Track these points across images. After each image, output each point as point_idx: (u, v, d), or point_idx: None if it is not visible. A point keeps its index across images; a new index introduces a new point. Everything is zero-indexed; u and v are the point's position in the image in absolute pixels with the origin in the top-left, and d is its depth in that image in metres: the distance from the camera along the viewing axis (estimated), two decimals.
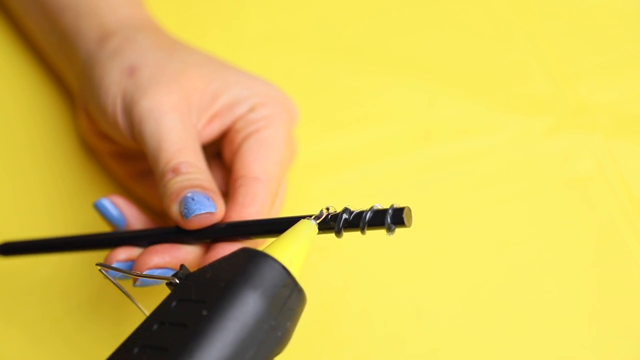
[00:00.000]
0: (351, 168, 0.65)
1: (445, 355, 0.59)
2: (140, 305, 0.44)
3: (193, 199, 0.49)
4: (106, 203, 0.54)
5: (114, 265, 0.50)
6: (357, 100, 0.68)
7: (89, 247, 0.54)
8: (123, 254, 0.51)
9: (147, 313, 0.41)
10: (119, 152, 0.61)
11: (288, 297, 0.41)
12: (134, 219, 0.54)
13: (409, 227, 0.44)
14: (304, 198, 0.64)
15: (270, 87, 0.57)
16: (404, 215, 0.43)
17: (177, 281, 0.42)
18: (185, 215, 0.49)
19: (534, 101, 0.68)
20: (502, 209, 0.64)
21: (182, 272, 0.42)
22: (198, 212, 0.49)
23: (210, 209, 0.49)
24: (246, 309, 0.39)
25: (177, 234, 0.51)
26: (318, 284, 0.61)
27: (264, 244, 0.53)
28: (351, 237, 0.61)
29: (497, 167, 0.65)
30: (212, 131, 0.56)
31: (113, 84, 0.55)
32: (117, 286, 0.44)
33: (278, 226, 0.47)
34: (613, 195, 0.63)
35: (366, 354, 0.59)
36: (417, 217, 0.63)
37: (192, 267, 0.50)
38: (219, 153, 0.58)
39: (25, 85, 0.68)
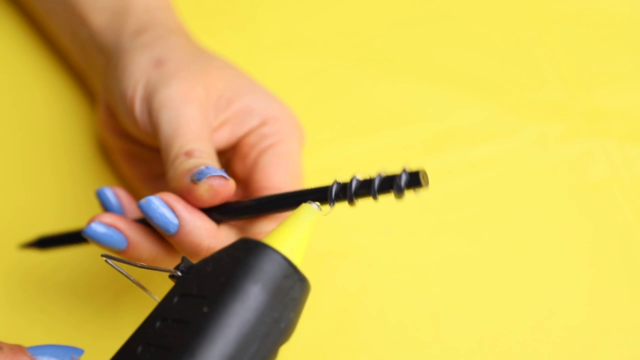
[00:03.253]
0: (367, 174, 0.65)
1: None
2: (149, 292, 0.44)
3: (208, 168, 0.48)
4: (108, 192, 0.54)
5: (100, 231, 0.50)
6: (371, 106, 0.68)
7: None
8: (108, 218, 0.50)
9: (158, 299, 0.41)
10: (132, 152, 0.61)
11: (291, 288, 0.40)
12: (132, 213, 0.54)
13: (426, 187, 0.42)
14: None
15: (282, 104, 0.57)
16: (421, 177, 0.42)
17: (179, 274, 0.42)
18: (197, 179, 0.48)
19: (548, 107, 0.67)
20: (517, 215, 0.63)
21: (184, 264, 0.42)
22: (214, 173, 0.48)
23: (223, 173, 0.49)
24: (247, 304, 0.39)
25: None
26: (335, 289, 0.61)
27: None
28: (367, 242, 0.62)
29: (512, 172, 0.65)
30: (221, 138, 0.56)
31: (138, 71, 0.56)
32: (124, 274, 0.44)
33: (304, 198, 0.46)
34: (628, 200, 0.63)
35: (382, 359, 0.59)
36: (432, 222, 0.63)
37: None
38: (224, 168, 0.58)
39: (44, 85, 0.69)
